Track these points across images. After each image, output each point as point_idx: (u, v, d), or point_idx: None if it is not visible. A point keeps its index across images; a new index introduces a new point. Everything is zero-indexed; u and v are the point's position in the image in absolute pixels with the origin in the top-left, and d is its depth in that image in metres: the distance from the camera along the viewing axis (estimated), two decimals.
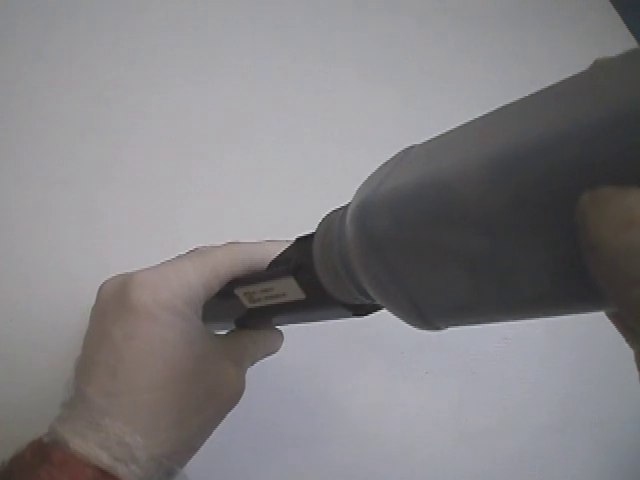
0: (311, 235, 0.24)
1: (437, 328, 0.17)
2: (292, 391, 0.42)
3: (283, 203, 0.48)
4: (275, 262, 0.26)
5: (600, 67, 0.13)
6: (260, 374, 0.42)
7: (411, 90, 0.61)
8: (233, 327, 0.31)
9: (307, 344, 0.43)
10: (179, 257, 0.29)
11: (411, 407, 0.43)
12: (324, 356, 0.43)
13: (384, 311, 0.22)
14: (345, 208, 0.20)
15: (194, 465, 0.28)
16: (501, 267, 0.13)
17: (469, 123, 0.16)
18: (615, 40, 0.71)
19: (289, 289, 0.24)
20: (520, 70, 0.66)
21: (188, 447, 0.27)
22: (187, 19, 0.57)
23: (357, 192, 0.18)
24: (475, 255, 0.14)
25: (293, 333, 0.40)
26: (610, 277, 0.10)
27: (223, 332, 0.31)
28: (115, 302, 0.26)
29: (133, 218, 0.46)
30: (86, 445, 0.23)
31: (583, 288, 0.11)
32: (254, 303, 0.27)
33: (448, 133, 0.17)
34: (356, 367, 0.43)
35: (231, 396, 0.28)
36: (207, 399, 0.27)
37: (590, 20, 0.72)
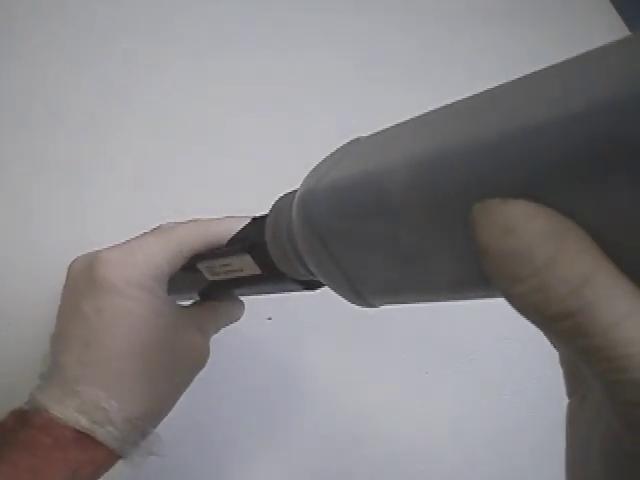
0: (266, 215, 0.25)
1: (372, 305, 0.19)
2: (291, 390, 0.42)
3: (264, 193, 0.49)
4: (233, 239, 0.28)
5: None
6: (260, 372, 0.42)
7: (410, 86, 0.61)
8: (197, 298, 0.33)
9: (306, 344, 0.43)
10: (143, 234, 0.30)
11: (411, 407, 0.43)
12: (324, 356, 0.43)
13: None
14: (294, 193, 0.21)
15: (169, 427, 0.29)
16: (418, 255, 0.15)
17: (410, 120, 0.17)
18: (615, 40, 0.71)
19: (246, 265, 0.26)
20: (520, 70, 0.65)
21: (160, 409, 0.29)
22: (184, 18, 0.57)
23: (304, 180, 0.20)
24: (397, 243, 0.15)
25: (292, 332, 0.41)
26: (496, 277, 0.11)
27: (188, 303, 0.33)
28: (84, 279, 0.28)
29: (105, 202, 0.46)
30: (65, 410, 0.25)
31: (482, 279, 0.13)
32: (215, 276, 0.29)
33: (391, 128, 0.18)
34: (356, 367, 0.43)
35: (197, 361, 0.30)
36: (175, 365, 0.29)
37: (590, 20, 0.72)
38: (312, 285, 0.25)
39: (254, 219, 0.28)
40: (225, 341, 0.33)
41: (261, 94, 0.54)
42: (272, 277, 0.25)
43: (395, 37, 0.64)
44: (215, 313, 0.32)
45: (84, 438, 0.26)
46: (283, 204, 0.23)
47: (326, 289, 0.24)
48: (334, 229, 0.18)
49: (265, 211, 0.27)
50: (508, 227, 0.11)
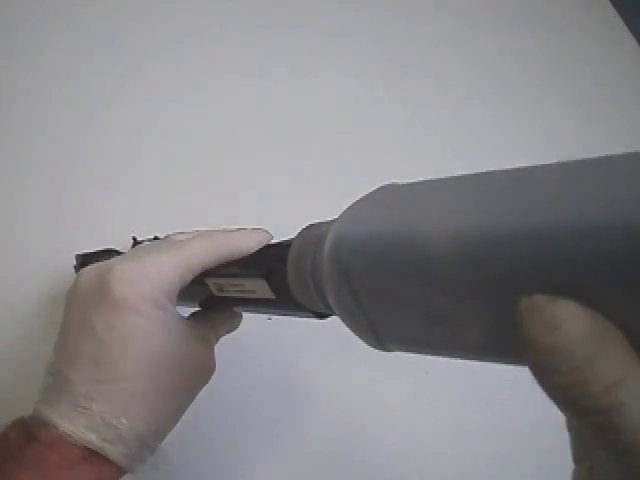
0: (285, 243, 0.25)
1: (389, 350, 0.19)
2: (291, 391, 0.42)
3: (268, 204, 0.49)
4: (249, 262, 0.28)
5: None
6: (259, 372, 0.42)
7: (410, 94, 0.61)
8: (197, 307, 0.33)
9: (306, 344, 0.43)
10: (154, 247, 0.30)
11: (411, 407, 0.43)
12: (324, 356, 0.43)
13: None
14: (321, 227, 0.22)
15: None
16: (450, 319, 0.15)
17: (452, 179, 0.17)
18: (615, 40, 0.71)
19: (259, 289, 0.26)
20: (520, 71, 0.66)
21: (167, 425, 0.29)
22: (185, 22, 0.57)
23: (338, 224, 0.19)
24: (430, 305, 0.16)
25: (292, 332, 0.40)
26: (538, 368, 0.12)
27: (186, 310, 0.33)
28: (95, 293, 0.27)
29: (102, 200, 0.46)
30: (74, 427, 0.25)
31: (511, 351, 0.14)
32: (222, 293, 0.29)
33: (430, 182, 0.18)
34: (356, 367, 0.43)
35: (205, 375, 0.30)
36: (184, 380, 0.28)
37: (590, 20, 0.72)
38: (324, 314, 0.25)
39: (272, 245, 0.28)
40: (225, 341, 0.33)
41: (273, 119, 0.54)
42: (284, 303, 0.25)
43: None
44: (214, 323, 0.32)
45: (92, 455, 0.25)
46: (310, 236, 0.23)
47: (335, 318, 0.24)
48: (366, 281, 0.17)
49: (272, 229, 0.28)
50: (555, 324, 0.12)
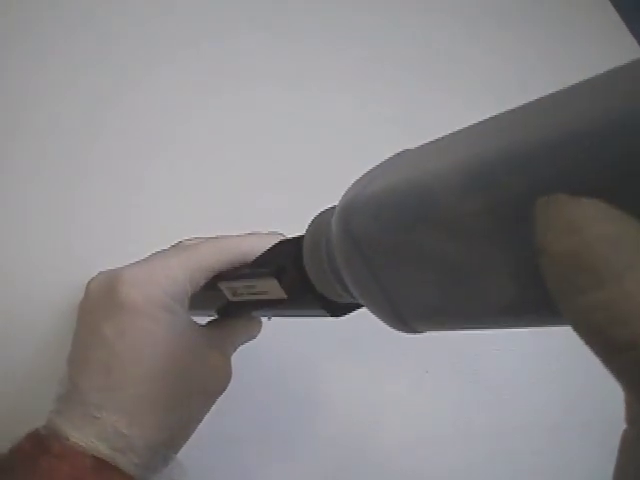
0: (295, 239, 0.25)
1: (415, 331, 0.17)
2: (291, 390, 0.42)
3: (274, 200, 0.49)
4: (259, 261, 0.28)
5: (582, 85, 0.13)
6: (259, 372, 0.42)
7: (409, 89, 0.61)
8: (214, 316, 0.32)
9: (306, 344, 0.43)
10: (164, 252, 0.29)
11: (411, 407, 0.43)
12: (324, 355, 0.43)
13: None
14: (334, 208, 0.20)
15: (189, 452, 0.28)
16: (470, 272, 0.14)
17: (459, 131, 0.16)
18: (615, 40, 0.71)
19: (271, 288, 0.25)
20: (520, 71, 0.66)
21: (182, 434, 0.28)
22: (185, 24, 0.57)
23: (345, 193, 0.19)
24: (446, 259, 0.14)
25: (292, 332, 0.40)
26: (556, 284, 0.10)
27: (204, 319, 0.32)
28: (104, 300, 0.27)
29: (117, 213, 0.46)
30: (84, 437, 0.25)
31: (543, 301, 0.11)
32: (236, 297, 0.28)
33: (439, 139, 0.17)
34: (356, 367, 0.43)
35: (220, 383, 0.29)
36: (198, 388, 0.28)
37: (590, 20, 0.72)
38: (339, 311, 0.25)
39: (281, 242, 0.27)
40: None
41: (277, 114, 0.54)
42: (298, 302, 0.25)
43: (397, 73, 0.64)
44: (233, 331, 0.32)
45: (103, 465, 0.25)
46: (322, 219, 0.22)
47: (351, 316, 0.24)
48: (377, 242, 0.16)
49: (285, 230, 0.27)
50: (574, 225, 0.09)
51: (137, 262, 0.28)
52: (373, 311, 0.19)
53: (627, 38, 0.71)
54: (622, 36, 0.71)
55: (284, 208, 0.46)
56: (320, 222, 0.22)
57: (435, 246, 0.14)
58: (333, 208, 0.22)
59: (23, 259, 0.42)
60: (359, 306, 0.23)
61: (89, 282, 0.29)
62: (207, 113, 0.52)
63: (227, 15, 0.59)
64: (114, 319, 0.26)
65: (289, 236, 0.27)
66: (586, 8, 0.73)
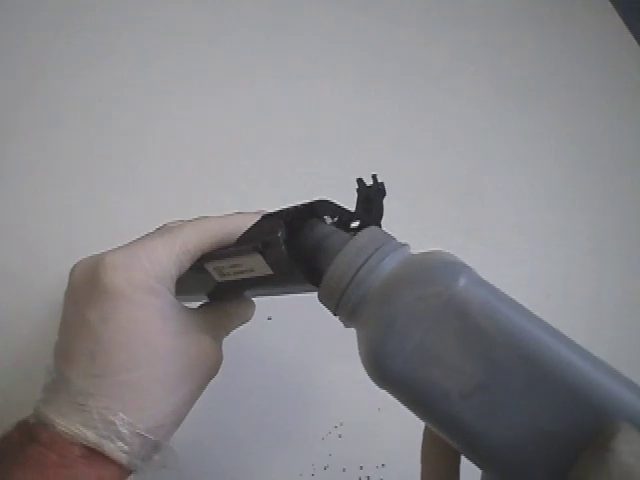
0: (278, 213, 0.25)
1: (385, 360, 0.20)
2: (291, 390, 0.42)
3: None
4: (243, 239, 0.27)
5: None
6: (259, 372, 0.42)
7: (408, 93, 0.61)
8: (205, 299, 0.32)
9: (306, 343, 0.43)
10: (147, 235, 0.29)
11: None
12: (324, 356, 0.43)
13: None
14: (379, 253, 0.22)
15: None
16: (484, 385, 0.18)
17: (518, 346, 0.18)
18: (615, 40, 0.71)
19: (256, 265, 0.25)
20: (520, 71, 0.66)
21: (172, 420, 0.27)
22: (186, 29, 0.57)
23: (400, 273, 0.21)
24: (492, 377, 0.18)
25: (292, 332, 0.40)
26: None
27: (196, 304, 0.32)
28: (87, 285, 0.26)
29: (102, 200, 0.46)
30: (71, 425, 0.24)
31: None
32: (224, 277, 0.28)
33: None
34: (356, 367, 0.43)
35: (210, 368, 0.29)
36: (187, 373, 0.27)
37: (590, 20, 0.72)
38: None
39: (265, 217, 0.27)
40: (225, 341, 0.33)
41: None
42: (284, 278, 0.25)
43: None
44: (225, 315, 0.31)
45: (92, 454, 0.25)
46: (359, 257, 0.22)
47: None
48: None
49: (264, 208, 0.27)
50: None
51: (120, 247, 0.28)
52: (363, 332, 0.21)
53: (627, 38, 0.71)
54: (622, 36, 0.71)
55: (278, 198, 0.46)
56: (371, 268, 0.22)
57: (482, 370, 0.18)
58: (376, 245, 0.22)
59: (9, 249, 0.42)
60: None
61: (72, 268, 0.28)
62: (204, 110, 0.52)
63: (227, 13, 0.59)
64: (97, 305, 0.25)
65: (271, 211, 0.27)
66: (586, 8, 0.73)
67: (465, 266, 0.20)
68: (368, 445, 0.41)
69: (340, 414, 0.42)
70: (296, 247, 0.25)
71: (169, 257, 0.27)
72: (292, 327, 0.33)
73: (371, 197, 0.25)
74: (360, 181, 0.26)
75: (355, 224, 0.26)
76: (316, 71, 0.58)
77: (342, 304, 0.22)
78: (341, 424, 0.41)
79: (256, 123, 0.53)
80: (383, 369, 0.20)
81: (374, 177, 0.26)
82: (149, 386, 0.26)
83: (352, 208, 0.26)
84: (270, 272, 0.25)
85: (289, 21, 0.61)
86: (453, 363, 0.18)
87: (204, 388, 0.29)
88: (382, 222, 0.26)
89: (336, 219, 0.26)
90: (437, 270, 0.20)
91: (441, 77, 0.62)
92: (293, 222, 0.25)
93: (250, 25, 0.59)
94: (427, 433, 0.24)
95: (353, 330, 0.24)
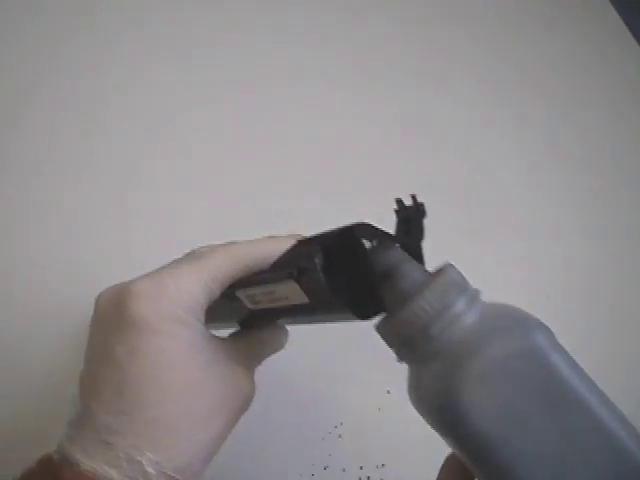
0: (315, 238, 0.24)
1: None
2: (290, 390, 0.42)
3: (289, 203, 0.49)
4: (277, 265, 0.26)
5: None
6: (259, 372, 0.42)
7: (411, 90, 0.61)
8: (237, 327, 0.31)
9: (306, 344, 0.43)
10: (175, 262, 0.28)
11: (411, 407, 0.43)
12: (323, 356, 0.43)
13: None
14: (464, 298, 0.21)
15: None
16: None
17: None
18: (615, 40, 0.71)
19: (292, 293, 0.24)
20: (520, 71, 0.66)
21: (202, 458, 0.26)
22: (187, 35, 0.57)
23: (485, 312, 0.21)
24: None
25: (293, 334, 0.40)
26: None
27: (227, 332, 0.31)
28: (114, 315, 0.25)
29: (130, 220, 0.46)
30: (96, 464, 0.23)
31: None
32: (257, 305, 0.26)
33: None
34: (356, 367, 0.43)
35: (242, 400, 0.27)
36: (218, 407, 0.26)
37: (590, 20, 0.72)
38: (368, 314, 0.23)
39: (300, 242, 0.25)
40: None
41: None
42: (322, 307, 0.23)
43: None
44: (258, 343, 0.30)
45: None
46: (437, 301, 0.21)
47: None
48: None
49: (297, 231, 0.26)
50: None
51: (147, 274, 0.26)
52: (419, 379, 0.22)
53: (627, 38, 0.71)
54: (622, 36, 0.71)
55: (301, 210, 0.45)
56: (458, 313, 0.21)
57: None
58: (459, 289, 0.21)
59: (37, 276, 0.42)
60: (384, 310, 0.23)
61: (97, 297, 0.27)
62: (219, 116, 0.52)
63: (228, 15, 0.59)
64: (124, 337, 0.24)
65: (307, 235, 0.26)
66: (586, 8, 0.73)
67: (547, 327, 0.21)
68: (368, 445, 0.41)
69: (340, 414, 0.42)
70: (336, 274, 0.23)
71: (198, 285, 0.26)
72: (292, 327, 0.33)
73: (411, 218, 0.24)
74: (399, 202, 0.25)
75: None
76: (316, 70, 0.58)
77: (415, 344, 0.21)
78: (341, 424, 0.41)
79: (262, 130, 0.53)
80: (458, 419, 0.19)
81: (413, 197, 0.25)
82: (178, 422, 0.24)
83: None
84: (306, 300, 0.23)
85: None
86: (535, 425, 0.19)
87: (236, 422, 0.27)
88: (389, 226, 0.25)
89: (375, 242, 0.24)
90: (530, 329, 0.20)
91: (440, 76, 0.62)
92: (330, 247, 0.23)
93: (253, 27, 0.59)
94: (450, 461, 0.23)
95: (354, 331, 0.24)
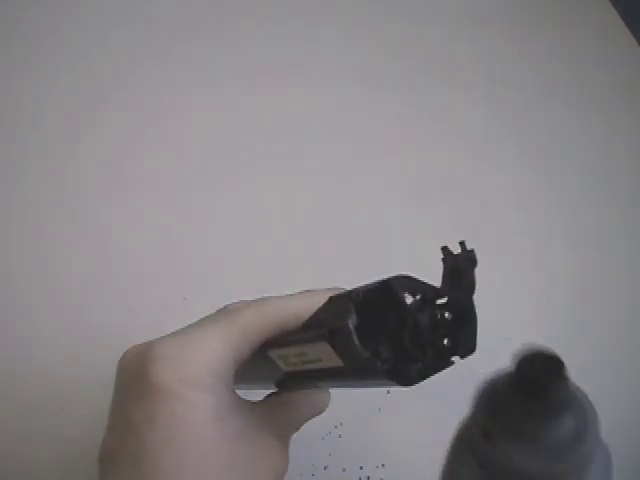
0: (349, 293, 0.21)
1: None
2: None
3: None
4: (307, 324, 0.24)
5: None
6: None
7: (411, 91, 0.61)
8: (273, 388, 0.28)
9: None
10: (203, 320, 0.26)
11: (411, 407, 0.43)
12: None
13: None
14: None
15: None
16: None
17: None
18: (615, 40, 0.71)
19: (324, 355, 0.21)
20: (519, 71, 0.66)
21: None
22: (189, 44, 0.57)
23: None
24: None
25: None
26: None
27: (262, 392, 0.29)
28: (134, 380, 0.23)
29: (158, 269, 0.46)
30: None
31: None
32: (290, 367, 0.24)
33: None
34: None
35: (275, 474, 0.25)
36: None
37: (590, 20, 0.72)
38: (411, 379, 0.22)
39: (332, 298, 0.23)
40: None
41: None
42: (358, 371, 0.21)
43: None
44: (294, 408, 0.27)
45: None
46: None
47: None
48: None
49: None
50: None
51: (172, 334, 0.24)
52: None
53: (627, 38, 0.71)
54: (622, 36, 0.71)
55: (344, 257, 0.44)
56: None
57: None
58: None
59: (58, 338, 0.42)
60: (435, 373, 0.22)
61: (120, 358, 0.25)
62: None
63: (230, 18, 0.59)
64: (143, 403, 0.22)
65: (342, 290, 0.23)
66: (586, 8, 0.73)
67: None
68: (368, 445, 0.41)
69: (340, 414, 0.42)
70: (373, 334, 0.21)
71: (226, 347, 0.23)
72: None
73: (460, 267, 0.22)
74: (445, 249, 0.22)
75: (441, 301, 0.23)
76: (315, 71, 0.58)
77: None
78: (341, 424, 0.41)
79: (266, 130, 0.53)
80: None
81: (462, 244, 0.22)
82: None
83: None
84: (341, 364, 0.21)
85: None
86: None
87: None
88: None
89: (418, 297, 0.22)
90: None
91: (440, 76, 0.62)
92: (366, 304, 0.21)
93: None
94: None
95: None
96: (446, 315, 0.22)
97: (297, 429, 0.27)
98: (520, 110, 0.62)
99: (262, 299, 0.26)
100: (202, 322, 0.25)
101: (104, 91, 0.52)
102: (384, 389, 0.43)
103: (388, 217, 0.46)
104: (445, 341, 0.22)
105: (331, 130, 0.55)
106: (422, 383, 0.23)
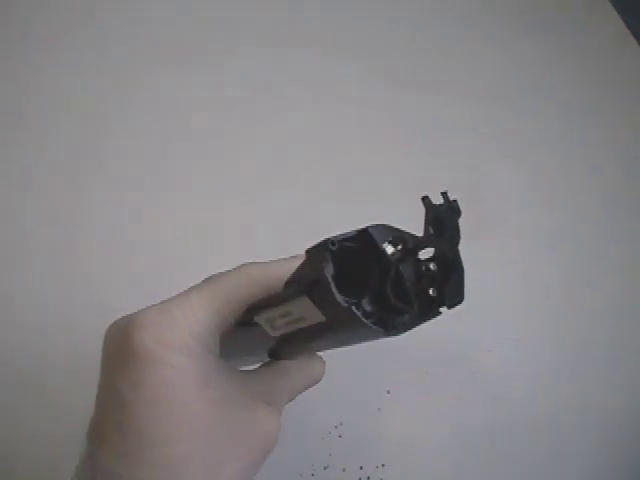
0: (322, 243, 0.20)
1: None
2: None
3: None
4: (290, 281, 0.23)
5: None
6: None
7: (412, 92, 0.61)
8: (266, 359, 0.28)
9: None
10: (190, 288, 0.25)
11: (411, 407, 0.43)
12: (324, 356, 0.43)
13: None
14: None
15: None
16: None
17: None
18: (615, 41, 0.71)
19: (307, 311, 0.21)
20: (520, 71, 0.66)
21: None
22: (191, 42, 0.57)
23: None
24: None
25: None
26: None
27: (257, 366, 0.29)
28: (118, 349, 0.23)
29: (149, 247, 0.46)
30: None
31: None
32: (277, 331, 0.23)
33: None
34: (356, 368, 0.43)
35: (263, 442, 0.25)
36: (234, 449, 0.23)
37: (590, 21, 0.72)
38: (395, 329, 0.20)
39: (308, 250, 0.21)
40: None
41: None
42: (341, 323, 0.20)
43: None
44: (285, 375, 0.27)
45: None
46: None
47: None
48: None
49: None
50: None
51: (156, 304, 0.24)
52: None
53: (627, 38, 0.71)
54: (622, 37, 0.71)
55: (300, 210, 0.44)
56: None
57: None
58: None
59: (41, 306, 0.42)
60: (421, 323, 0.21)
61: (106, 330, 0.25)
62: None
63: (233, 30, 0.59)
64: (126, 371, 0.22)
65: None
66: (586, 8, 0.73)
67: None
68: (368, 445, 0.41)
69: (340, 414, 0.42)
70: (354, 285, 0.20)
71: (208, 311, 0.23)
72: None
73: (442, 217, 0.21)
74: (426, 199, 0.21)
75: (425, 251, 0.21)
76: (315, 70, 0.58)
77: None
78: (341, 424, 0.41)
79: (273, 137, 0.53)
80: None
81: (444, 194, 0.21)
82: (187, 465, 0.22)
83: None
84: (323, 318, 0.20)
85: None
86: None
87: (258, 467, 0.25)
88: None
89: (400, 247, 0.21)
90: None
91: (440, 76, 0.62)
92: (343, 253, 0.20)
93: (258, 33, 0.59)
94: None
95: None
96: (431, 266, 0.21)
97: (291, 399, 0.27)
98: (519, 110, 0.62)
99: (245, 264, 0.25)
100: (186, 291, 0.25)
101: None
102: (384, 389, 0.43)
103: (388, 217, 0.46)
104: (431, 291, 0.21)
105: (331, 130, 0.55)
106: (422, 385, 0.22)
